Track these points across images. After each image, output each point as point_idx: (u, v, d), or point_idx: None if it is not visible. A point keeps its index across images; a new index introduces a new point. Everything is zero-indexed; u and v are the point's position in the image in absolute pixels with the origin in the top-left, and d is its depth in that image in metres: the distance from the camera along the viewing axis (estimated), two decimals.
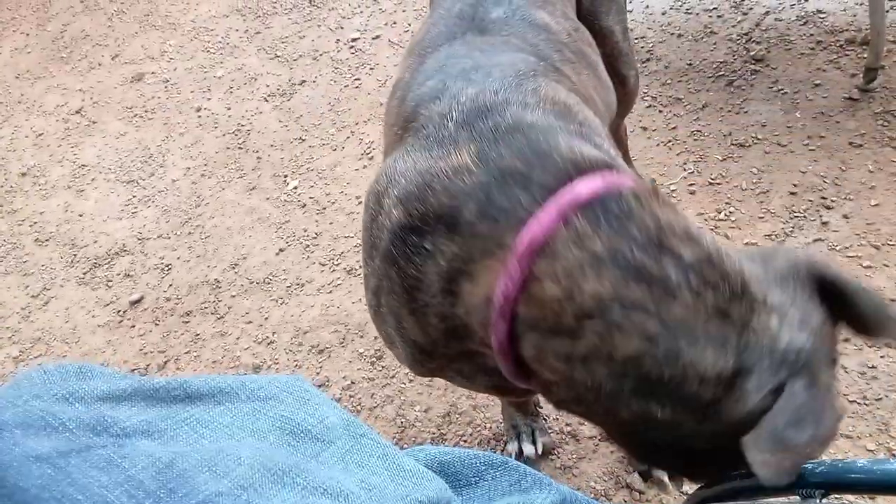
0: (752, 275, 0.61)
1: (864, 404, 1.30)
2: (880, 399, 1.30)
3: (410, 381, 1.53)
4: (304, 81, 2.37)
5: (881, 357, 1.35)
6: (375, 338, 1.62)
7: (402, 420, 1.48)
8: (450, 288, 0.71)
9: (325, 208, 1.95)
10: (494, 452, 0.54)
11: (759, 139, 1.79)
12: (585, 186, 0.63)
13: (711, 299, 0.57)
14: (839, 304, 0.63)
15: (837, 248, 1.53)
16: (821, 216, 1.60)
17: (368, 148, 2.09)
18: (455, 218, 0.69)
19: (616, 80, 1.37)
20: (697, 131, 1.85)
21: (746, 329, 0.57)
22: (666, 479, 1.27)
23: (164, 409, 0.50)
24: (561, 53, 1.01)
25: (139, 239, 2.01)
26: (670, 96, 1.95)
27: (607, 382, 0.59)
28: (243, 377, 0.54)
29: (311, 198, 1.98)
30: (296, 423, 0.51)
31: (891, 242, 1.51)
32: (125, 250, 1.99)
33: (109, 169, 2.29)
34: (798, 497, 0.68)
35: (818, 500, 0.64)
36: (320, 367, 1.61)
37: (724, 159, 1.77)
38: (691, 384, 0.57)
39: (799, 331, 0.58)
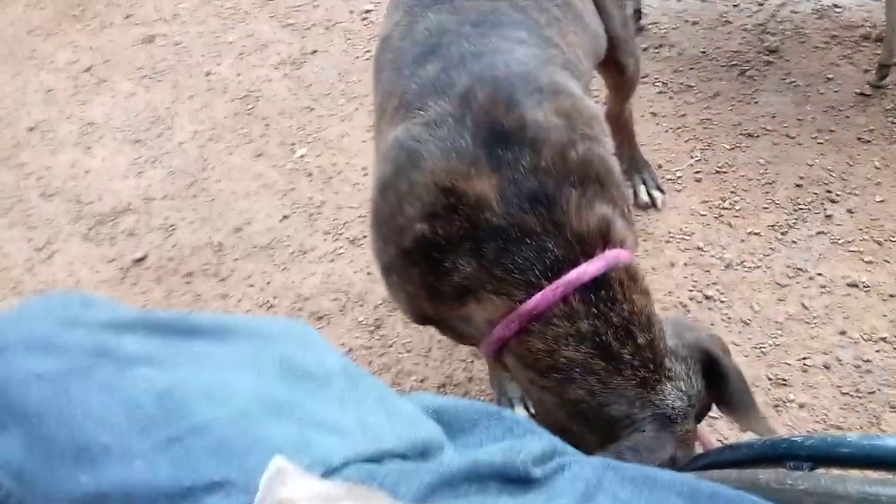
0: (668, 351, 0.84)
1: (857, 397, 1.31)
2: (873, 392, 1.31)
3: (408, 351, 1.54)
4: (315, 51, 2.36)
5: (876, 351, 1.36)
6: (375, 307, 1.63)
7: (398, 389, 1.49)
8: (459, 298, 0.84)
9: (331, 178, 1.95)
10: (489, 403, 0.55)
11: (768, 130, 1.78)
12: (586, 271, 0.78)
13: (641, 373, 0.80)
14: (717, 380, 0.87)
15: (840, 242, 1.54)
16: (825, 209, 1.60)
17: None
18: (475, 249, 0.80)
19: (614, 68, 1.37)
20: (707, 119, 1.84)
21: (652, 391, 0.80)
22: None
23: (166, 340, 0.50)
24: (547, 14, 1.01)
25: (144, 198, 2.01)
26: (681, 83, 1.94)
27: (551, 404, 0.84)
28: (245, 317, 0.54)
29: (317, 167, 1.98)
30: (295, 361, 0.52)
31: (893, 239, 1.51)
32: (130, 209, 2.00)
33: (117, 128, 2.28)
34: (786, 469, 0.69)
35: (804, 472, 0.65)
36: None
37: (732, 148, 1.77)
38: (606, 421, 0.81)
39: (679, 399, 0.82)
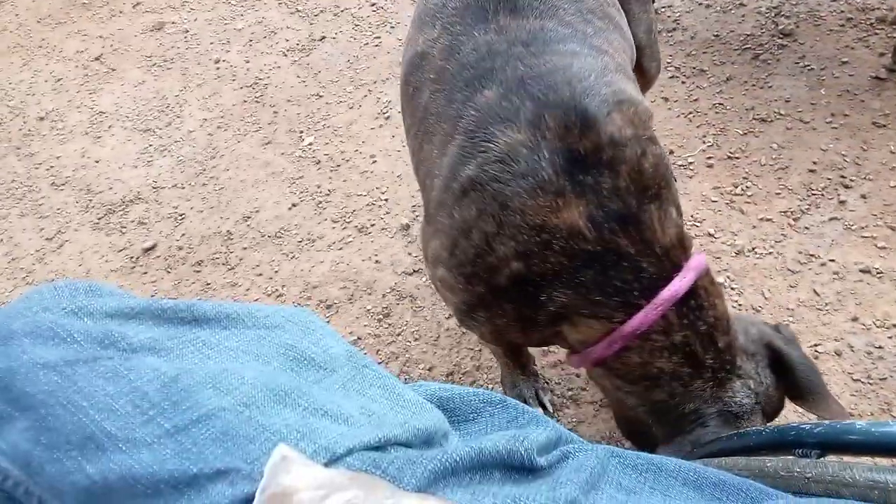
0: (739, 350, 0.88)
1: (869, 384, 1.30)
2: (885, 379, 1.30)
3: (416, 339, 1.54)
4: (323, 37, 2.35)
5: (889, 338, 1.34)
6: (383, 295, 1.63)
7: (406, 377, 1.50)
8: (552, 323, 0.88)
9: (339, 166, 1.95)
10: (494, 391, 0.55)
11: (781, 115, 1.76)
12: (679, 285, 0.82)
13: (718, 375, 0.86)
14: (785, 372, 0.91)
15: (853, 227, 1.52)
16: (838, 195, 1.58)
17: (385, 107, 2.07)
18: (572, 279, 0.82)
19: (637, 72, 1.36)
20: (719, 104, 1.82)
21: (722, 389, 0.86)
22: None
23: (172, 329, 0.51)
24: (592, 25, 0.99)
25: (154, 187, 2.02)
26: (694, 67, 1.92)
27: (631, 405, 0.90)
28: (250, 305, 0.54)
29: (325, 154, 1.98)
30: (299, 350, 0.52)
31: None
32: (140, 198, 2.01)
33: (127, 117, 2.29)
34: (794, 456, 0.69)
35: (812, 459, 0.64)
36: (327, 322, 1.62)
37: (745, 133, 1.74)
38: (677, 417, 0.87)
39: (746, 396, 0.87)
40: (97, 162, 2.17)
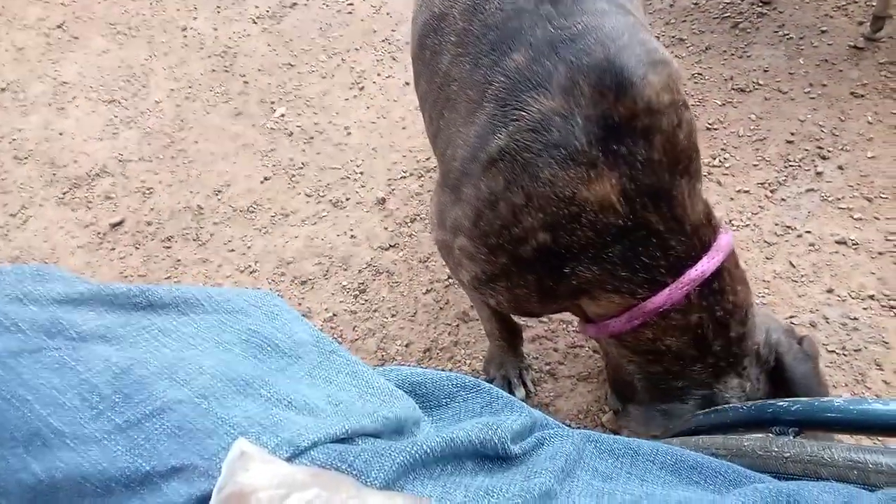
0: (752, 350, 0.86)
1: (843, 355, 1.31)
2: (859, 350, 1.31)
3: (393, 315, 1.52)
4: (295, 4, 2.27)
5: (863, 309, 1.35)
6: (359, 271, 1.61)
7: (383, 353, 1.48)
8: (572, 296, 0.86)
9: (312, 138, 1.90)
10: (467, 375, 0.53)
11: (760, 84, 1.74)
12: (706, 266, 0.80)
13: (719, 365, 0.85)
14: (784, 388, 0.89)
15: (829, 199, 1.52)
16: (815, 166, 1.57)
17: (359, 77, 2.02)
18: (599, 254, 0.80)
19: None
20: (698, 74, 1.80)
21: (717, 380, 0.85)
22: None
23: (124, 316, 0.48)
24: None
25: (120, 160, 1.96)
26: (673, 36, 1.89)
27: (629, 371, 0.90)
28: (209, 289, 0.51)
29: (298, 126, 1.93)
30: (263, 336, 0.49)
31: (883, 195, 1.49)
32: (106, 171, 1.94)
33: (91, 87, 2.21)
34: (771, 434, 0.68)
35: (790, 438, 0.64)
36: (303, 298, 1.60)
37: (724, 104, 1.73)
38: (665, 389, 0.87)
39: (736, 396, 0.86)
40: (61, 134, 2.10)
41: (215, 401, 0.42)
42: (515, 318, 1.27)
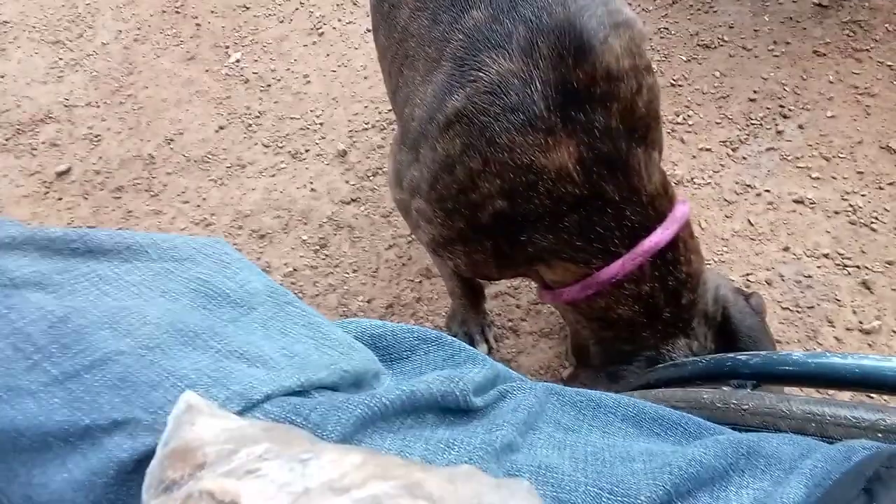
0: (700, 312, 0.87)
1: (797, 311, 1.34)
2: (812, 307, 1.34)
3: (354, 271, 1.50)
4: None
5: (818, 267, 1.38)
6: (320, 225, 1.57)
7: (345, 310, 1.46)
8: (529, 262, 0.86)
9: (269, 85, 1.83)
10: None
11: (725, 41, 1.73)
12: (660, 237, 0.79)
13: (668, 330, 0.85)
14: (730, 341, 0.89)
15: (789, 157, 1.53)
16: (776, 125, 1.58)
17: (319, 22, 1.95)
18: (555, 222, 0.79)
19: None
20: (664, 28, 1.78)
21: (664, 341, 0.86)
22: None
23: (61, 262, 0.44)
24: None
25: (66, 106, 1.86)
26: None
27: (584, 335, 0.91)
28: (155, 235, 0.48)
29: (254, 73, 1.86)
30: (213, 285, 0.47)
31: (841, 155, 1.52)
32: (51, 117, 1.85)
33: (33, 27, 2.08)
34: (729, 388, 0.69)
35: (749, 391, 0.64)
36: (261, 253, 1.56)
37: (689, 60, 1.72)
38: (616, 353, 0.88)
39: (683, 355, 0.86)
40: (2, 77, 1.98)
41: (161, 352, 0.40)
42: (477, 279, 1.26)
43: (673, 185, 0.88)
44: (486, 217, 0.82)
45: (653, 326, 0.84)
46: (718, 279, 0.93)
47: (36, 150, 1.79)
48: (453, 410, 0.43)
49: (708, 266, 0.92)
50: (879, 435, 0.46)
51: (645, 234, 0.80)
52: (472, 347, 0.52)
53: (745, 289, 1.34)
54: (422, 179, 0.86)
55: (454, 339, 0.52)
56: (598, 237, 0.80)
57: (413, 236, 1.51)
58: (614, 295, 0.83)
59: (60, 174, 1.73)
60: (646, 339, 0.85)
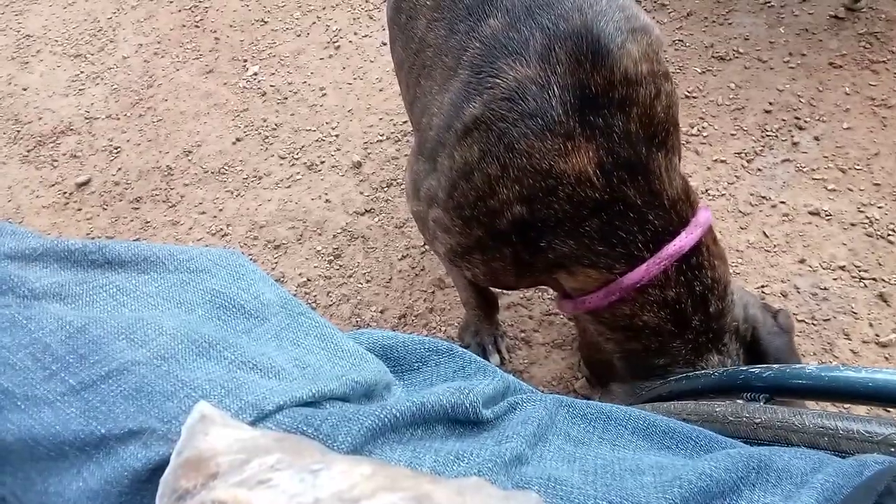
0: (731, 326, 0.85)
1: (812, 324, 1.33)
2: (828, 320, 1.32)
3: (367, 281, 1.51)
4: None
5: (834, 279, 1.37)
6: (334, 236, 1.58)
7: (358, 320, 1.47)
8: (549, 270, 0.85)
9: (286, 98, 1.85)
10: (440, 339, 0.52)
11: (740, 53, 1.73)
12: (684, 241, 0.78)
13: (699, 340, 0.83)
14: (761, 361, 0.87)
15: (804, 169, 1.52)
16: (792, 136, 1.57)
17: (335, 36, 1.97)
18: (575, 228, 0.78)
19: None
20: (679, 41, 1.78)
21: (699, 357, 0.84)
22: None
23: (80, 273, 0.45)
24: None
25: (86, 118, 1.89)
26: (655, 1, 1.87)
27: (607, 349, 0.89)
28: (172, 247, 0.49)
29: (271, 86, 1.88)
30: (227, 297, 0.47)
31: (857, 167, 1.50)
32: (72, 129, 1.88)
33: (56, 41, 2.13)
34: (742, 401, 0.68)
35: (761, 404, 0.64)
36: (276, 263, 1.57)
37: (703, 72, 1.72)
38: (646, 368, 0.85)
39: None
40: (25, 90, 2.02)
41: (176, 362, 0.40)
42: (492, 288, 1.26)
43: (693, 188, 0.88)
44: (505, 224, 0.81)
45: (682, 336, 0.82)
46: (746, 296, 0.92)
47: (56, 161, 1.83)
48: (463, 422, 0.43)
49: (733, 278, 0.91)
50: (892, 449, 0.46)
51: (669, 238, 0.79)
52: (482, 359, 0.52)
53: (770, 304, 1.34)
54: (439, 188, 0.86)
55: (465, 350, 0.52)
56: (620, 242, 0.78)
57: (428, 247, 1.52)
58: (639, 301, 0.81)
59: (80, 185, 1.76)
60: (677, 351, 0.83)
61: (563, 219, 0.78)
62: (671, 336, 0.83)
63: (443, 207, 0.87)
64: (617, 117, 0.76)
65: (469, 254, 0.89)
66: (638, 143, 0.77)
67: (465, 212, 0.83)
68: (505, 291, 1.42)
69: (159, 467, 0.36)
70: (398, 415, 0.40)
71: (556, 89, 0.74)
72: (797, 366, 0.62)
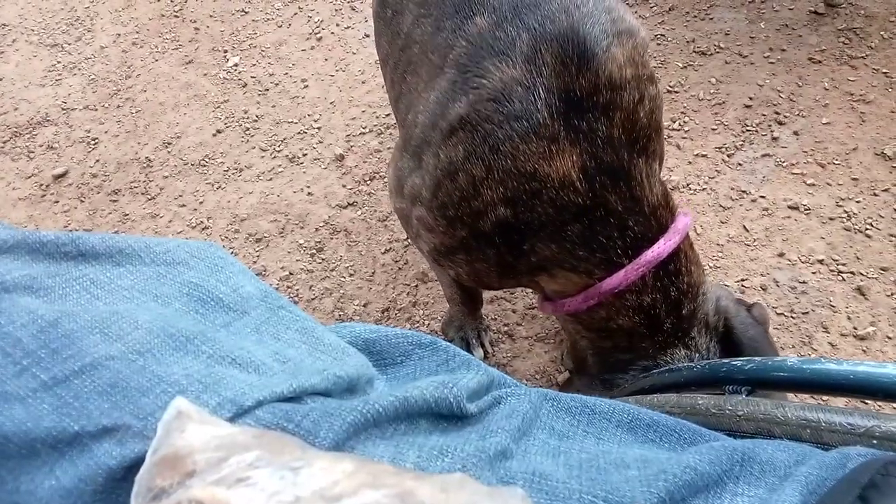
0: (700, 321, 0.85)
1: (791, 317, 1.34)
2: (807, 313, 1.34)
3: (350, 275, 1.50)
4: None
5: (812, 273, 1.38)
6: (316, 229, 1.57)
7: (340, 314, 1.46)
8: (531, 273, 0.85)
9: (267, 90, 1.83)
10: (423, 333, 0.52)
11: (721, 48, 1.74)
12: (662, 248, 0.79)
13: (668, 340, 0.83)
14: (735, 352, 0.87)
15: (784, 164, 1.53)
16: (772, 131, 1.58)
17: (317, 27, 1.95)
18: (557, 231, 0.78)
19: None
20: (661, 35, 1.78)
21: (663, 352, 0.84)
22: None
23: (53, 266, 0.44)
24: None
25: (63, 109, 1.86)
26: None
27: (583, 346, 0.90)
28: (148, 239, 0.48)
29: (252, 77, 1.86)
30: (206, 290, 0.46)
31: (836, 162, 1.52)
32: (48, 120, 1.85)
33: (32, 30, 2.08)
34: (724, 393, 0.68)
35: (743, 397, 0.64)
36: (258, 256, 1.56)
37: (685, 67, 1.72)
38: (614, 363, 0.86)
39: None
40: (0, 80, 1.98)
41: (152, 357, 0.39)
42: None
43: (672, 194, 0.88)
44: (489, 225, 0.81)
45: (652, 337, 0.83)
46: (719, 290, 0.92)
47: (33, 153, 1.79)
48: (447, 416, 0.43)
49: (709, 272, 0.91)
50: (875, 442, 0.46)
51: (647, 244, 0.79)
52: (466, 353, 0.52)
53: (742, 296, 1.35)
54: (423, 186, 0.85)
55: (448, 344, 0.52)
56: (600, 247, 0.79)
57: (411, 242, 1.51)
58: (615, 306, 0.82)
59: (57, 177, 1.72)
60: (644, 349, 0.85)
61: (546, 222, 0.78)
62: (642, 338, 0.84)
63: (427, 206, 0.86)
64: (601, 122, 0.76)
65: (453, 254, 0.89)
66: (620, 149, 0.77)
67: (450, 212, 0.83)
68: (491, 290, 1.42)
69: (135, 465, 0.35)
70: (381, 410, 0.40)
71: (541, 91, 0.74)
72: (779, 358, 0.62)
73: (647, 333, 0.83)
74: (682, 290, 0.82)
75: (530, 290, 1.42)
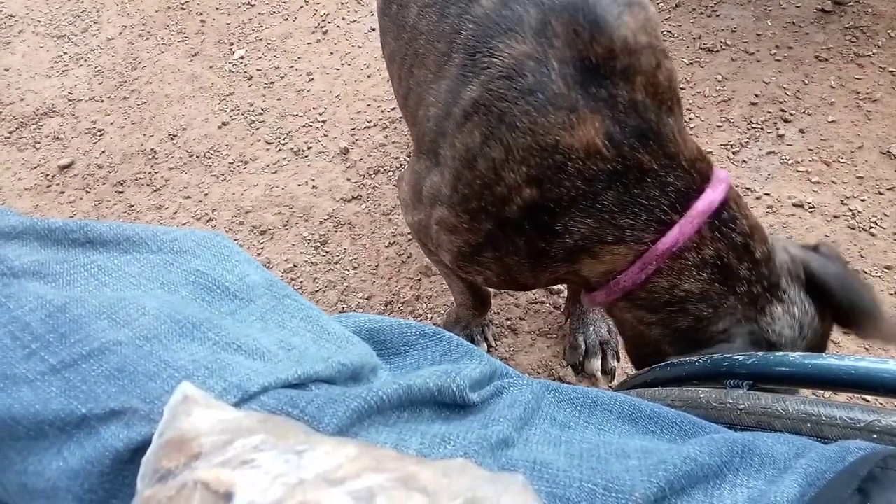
0: (783, 269, 0.77)
1: None
2: None
3: (354, 268, 1.50)
4: None
5: None
6: (320, 222, 1.57)
7: (344, 306, 1.46)
8: (569, 258, 0.79)
9: (272, 83, 1.83)
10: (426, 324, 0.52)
11: (727, 45, 1.73)
12: (713, 196, 0.74)
13: (755, 290, 0.75)
14: (824, 297, 0.78)
15: (789, 161, 1.53)
16: (777, 129, 1.58)
17: (323, 20, 1.95)
18: (592, 204, 0.74)
19: None
20: (668, 31, 1.78)
21: (761, 313, 0.75)
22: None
23: (61, 252, 0.45)
24: None
25: (69, 100, 1.87)
26: None
27: (653, 334, 0.80)
28: (155, 227, 0.48)
29: (258, 70, 1.86)
30: (212, 278, 0.47)
31: (842, 160, 1.52)
32: (54, 111, 1.85)
33: (39, 21, 2.09)
34: (725, 388, 0.69)
35: (745, 391, 0.65)
36: (262, 249, 1.56)
37: (691, 63, 1.72)
38: (704, 339, 0.76)
39: (788, 327, 0.76)
40: (7, 70, 1.99)
41: (159, 343, 0.40)
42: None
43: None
44: (516, 210, 0.77)
45: (735, 290, 0.75)
46: (782, 240, 0.85)
47: (39, 143, 1.80)
48: (450, 405, 0.43)
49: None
50: (874, 436, 0.46)
51: (695, 196, 0.74)
52: (469, 343, 0.52)
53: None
54: (442, 183, 0.83)
55: (452, 334, 0.52)
56: (643, 209, 0.74)
57: (428, 259, 1.51)
58: (675, 269, 0.75)
59: (63, 168, 1.73)
60: (732, 308, 0.75)
61: (576, 196, 0.74)
62: (721, 296, 0.75)
63: (447, 204, 0.83)
64: (620, 87, 0.73)
65: (479, 253, 0.84)
66: (646, 111, 0.74)
67: (472, 204, 0.79)
68: (527, 290, 1.41)
69: (141, 447, 0.35)
70: (384, 397, 0.40)
71: (554, 63, 0.72)
72: (780, 353, 0.62)
73: (724, 288, 0.75)
74: (746, 233, 0.76)
75: None
